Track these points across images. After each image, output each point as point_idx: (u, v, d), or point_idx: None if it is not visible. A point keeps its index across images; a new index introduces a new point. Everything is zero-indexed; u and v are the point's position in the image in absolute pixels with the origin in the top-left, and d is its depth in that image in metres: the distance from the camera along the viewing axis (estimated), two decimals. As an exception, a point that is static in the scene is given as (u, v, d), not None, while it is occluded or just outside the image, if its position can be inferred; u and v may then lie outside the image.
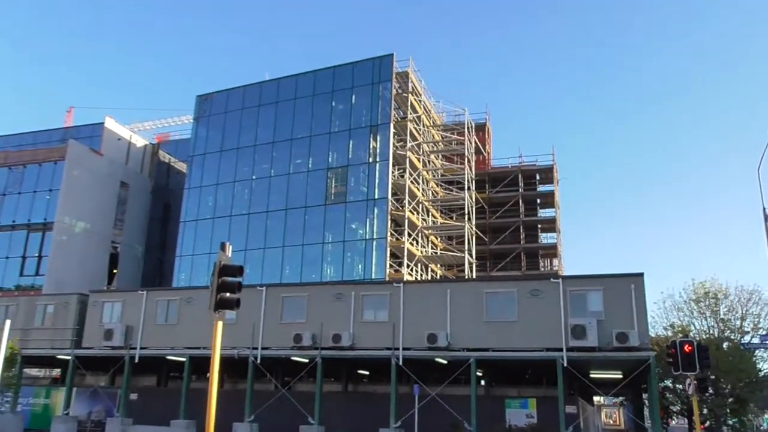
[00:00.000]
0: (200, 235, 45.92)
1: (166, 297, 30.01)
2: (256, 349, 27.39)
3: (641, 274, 23.60)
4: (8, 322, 12.00)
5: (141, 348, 29.13)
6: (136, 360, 29.08)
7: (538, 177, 54.56)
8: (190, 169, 48.80)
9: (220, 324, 11.36)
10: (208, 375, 38.39)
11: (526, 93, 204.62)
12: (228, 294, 11.12)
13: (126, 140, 55.14)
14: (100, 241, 48.19)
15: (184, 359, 28.60)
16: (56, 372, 40.01)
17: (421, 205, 45.24)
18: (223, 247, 11.44)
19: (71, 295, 31.95)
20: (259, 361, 27.36)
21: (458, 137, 49.01)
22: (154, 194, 55.36)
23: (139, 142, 57.03)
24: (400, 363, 25.38)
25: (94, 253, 47.19)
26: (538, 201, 54.73)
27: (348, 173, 43.18)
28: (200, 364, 32.16)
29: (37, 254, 44.26)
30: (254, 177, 46.11)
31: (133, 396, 31.27)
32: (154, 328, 29.31)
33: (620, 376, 28.78)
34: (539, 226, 54.04)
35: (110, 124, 53.81)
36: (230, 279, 11.12)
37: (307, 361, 27.42)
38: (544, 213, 55.03)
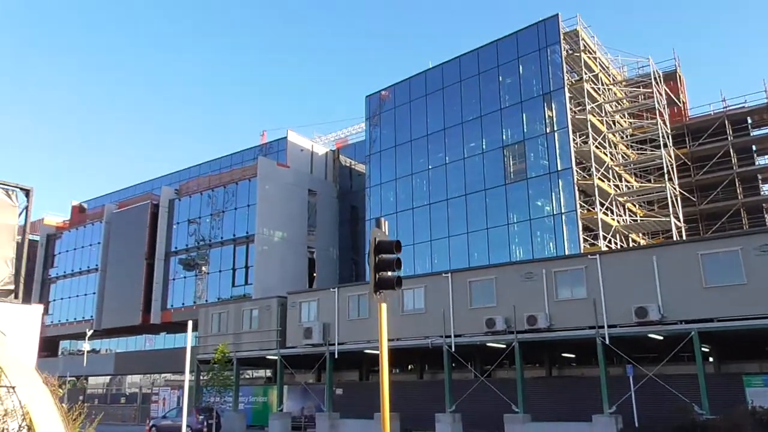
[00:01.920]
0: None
1: (356, 292, 30.37)
2: (449, 337, 26.53)
3: None
4: (190, 323, 12.24)
5: (339, 344, 29.78)
6: (336, 356, 29.79)
7: (749, 120, 47.11)
8: (369, 169, 49.75)
9: (384, 307, 10.45)
10: (410, 367, 38.91)
11: (719, 29, 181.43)
12: (388, 273, 10.16)
13: (308, 150, 57.97)
14: (297, 247, 51.00)
15: (378, 352, 28.63)
16: (270, 372, 42.90)
17: (611, 171, 41.27)
18: (378, 223, 10.52)
19: (272, 298, 33.82)
20: (453, 350, 26.47)
21: (645, 90, 44.02)
22: (340, 198, 57.51)
23: (320, 150, 59.65)
24: (607, 342, 22.83)
25: (293, 260, 50.06)
26: (754, 148, 47.19)
27: (525, 148, 40.87)
28: (397, 357, 32.20)
29: (244, 265, 48.02)
30: (430, 167, 45.64)
31: (339, 391, 32.22)
32: (348, 324, 29.82)
33: None
34: (759, 176, 46.64)
35: (292, 137, 56.93)
36: (387, 256, 10.16)
37: (503, 346, 25.99)
38: (763, 161, 47.40)
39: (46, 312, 60.92)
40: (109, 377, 56.96)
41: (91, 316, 55.02)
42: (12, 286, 9.34)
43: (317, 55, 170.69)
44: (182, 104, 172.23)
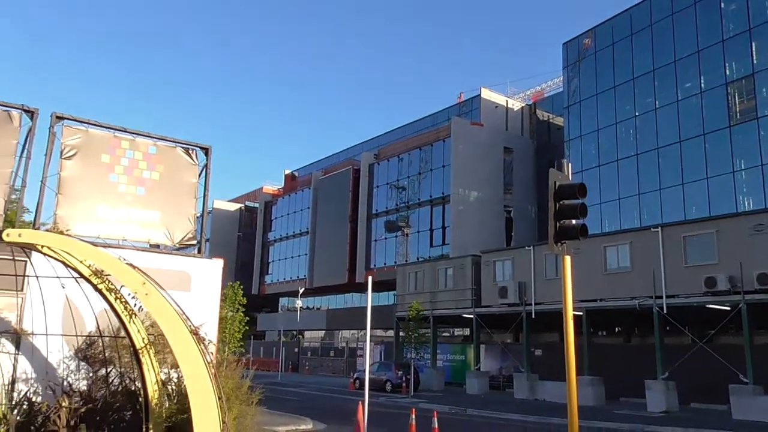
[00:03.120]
0: (588, 185, 43.30)
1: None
2: (660, 298, 23.92)
3: None
4: (370, 280, 12.13)
5: (535, 304, 28.51)
6: (533, 316, 28.58)
7: None
8: (567, 121, 46.74)
9: (568, 260, 9.29)
10: (616, 329, 36.23)
11: None
12: (572, 221, 8.95)
13: (503, 107, 56.14)
14: (493, 206, 49.94)
15: (580, 313, 26.84)
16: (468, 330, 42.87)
17: None
18: (559, 166, 9.30)
19: (465, 257, 33.39)
20: (665, 312, 23.84)
21: None
22: (537, 153, 54.97)
23: (516, 105, 57.40)
24: None
25: (489, 219, 49.15)
26: None
27: (755, 82, 35.12)
28: (601, 318, 30.14)
29: (441, 226, 48.32)
30: (637, 114, 41.50)
31: (537, 352, 31.04)
32: (545, 283, 28.34)
33: None
34: None
35: (486, 94, 55.45)
36: (570, 202, 8.93)
37: (727, 308, 22.80)
38: None
39: (266, 272, 67.73)
40: (323, 332, 61.73)
41: (304, 276, 59.83)
42: (194, 241, 9.90)
43: (510, 10, 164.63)
44: (385, 69, 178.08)
